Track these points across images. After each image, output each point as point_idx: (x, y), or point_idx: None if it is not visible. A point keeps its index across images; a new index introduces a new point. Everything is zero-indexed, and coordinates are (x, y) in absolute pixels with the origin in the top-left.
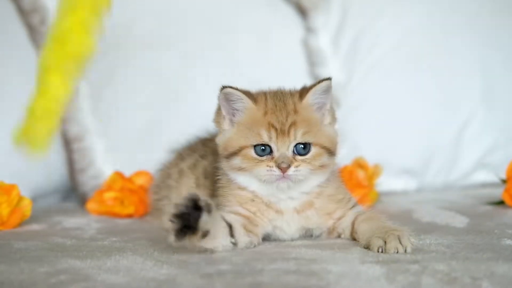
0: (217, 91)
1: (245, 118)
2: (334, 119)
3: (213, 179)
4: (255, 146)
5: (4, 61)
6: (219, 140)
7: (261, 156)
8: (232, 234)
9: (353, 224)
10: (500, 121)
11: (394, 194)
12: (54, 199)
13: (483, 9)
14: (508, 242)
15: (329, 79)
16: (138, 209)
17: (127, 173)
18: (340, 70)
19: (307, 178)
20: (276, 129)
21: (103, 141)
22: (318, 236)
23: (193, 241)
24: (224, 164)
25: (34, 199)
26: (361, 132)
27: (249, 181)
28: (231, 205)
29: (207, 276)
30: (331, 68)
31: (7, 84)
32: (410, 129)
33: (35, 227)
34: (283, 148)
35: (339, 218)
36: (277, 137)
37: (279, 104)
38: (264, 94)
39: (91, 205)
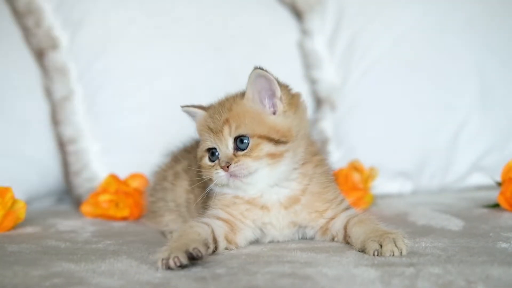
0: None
1: (200, 128)
2: (292, 106)
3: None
4: (207, 152)
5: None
6: None
7: (213, 161)
8: (214, 239)
9: (345, 228)
10: (496, 124)
11: (390, 197)
12: (49, 201)
13: (480, 11)
14: (503, 245)
15: (256, 68)
16: (133, 211)
17: (122, 175)
18: (336, 72)
19: (257, 169)
20: (212, 131)
21: (98, 143)
22: (312, 237)
23: None
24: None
25: (28, 202)
26: (357, 134)
27: (220, 188)
28: (215, 208)
29: (202, 279)
30: (327, 71)
31: (2, 85)
32: (406, 131)
33: (29, 230)
34: (223, 147)
35: (332, 218)
36: (215, 138)
37: (218, 107)
38: (215, 103)
39: (85, 208)
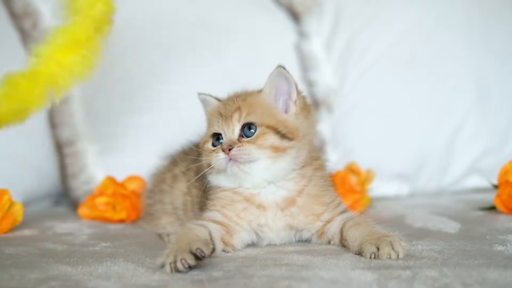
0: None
1: (211, 114)
2: (304, 111)
3: (204, 181)
4: (212, 138)
5: None
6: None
7: (215, 146)
8: (212, 241)
9: (341, 231)
10: (493, 126)
11: (387, 199)
12: (46, 204)
13: (478, 12)
14: (500, 248)
15: (280, 66)
16: (130, 214)
17: (119, 178)
18: (333, 74)
19: (258, 158)
20: (222, 116)
21: (95, 145)
22: (308, 240)
23: None
24: (203, 167)
25: (25, 204)
26: (354, 137)
27: (217, 177)
28: (213, 209)
29: (199, 282)
30: (324, 73)
31: None
32: (403, 134)
33: (26, 232)
34: (229, 133)
35: (328, 221)
36: (222, 123)
37: (233, 97)
38: (231, 94)
39: (83, 210)
